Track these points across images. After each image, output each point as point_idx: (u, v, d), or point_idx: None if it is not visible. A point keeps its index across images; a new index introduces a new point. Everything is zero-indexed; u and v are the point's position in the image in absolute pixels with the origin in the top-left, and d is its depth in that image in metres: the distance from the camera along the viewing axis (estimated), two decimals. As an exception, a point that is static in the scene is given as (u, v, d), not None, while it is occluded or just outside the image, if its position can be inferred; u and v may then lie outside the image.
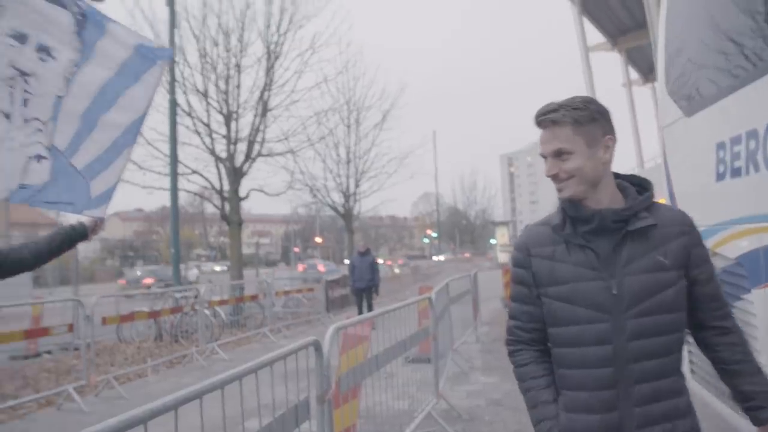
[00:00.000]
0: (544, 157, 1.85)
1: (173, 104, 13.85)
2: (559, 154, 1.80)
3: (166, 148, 14.50)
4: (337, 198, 25.26)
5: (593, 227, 1.80)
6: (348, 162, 24.85)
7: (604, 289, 1.76)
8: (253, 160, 17.12)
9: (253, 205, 45.93)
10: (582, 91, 27.51)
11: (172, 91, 13.85)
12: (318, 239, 66.29)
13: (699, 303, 1.85)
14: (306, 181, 23.82)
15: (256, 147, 17.15)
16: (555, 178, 1.83)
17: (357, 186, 25.23)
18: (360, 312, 12.93)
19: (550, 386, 1.89)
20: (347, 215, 25.42)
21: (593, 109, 1.80)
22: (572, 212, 1.84)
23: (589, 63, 28.42)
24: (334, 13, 29.39)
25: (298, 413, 3.05)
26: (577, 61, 28.85)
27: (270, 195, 19.18)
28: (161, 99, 14.35)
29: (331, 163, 24.66)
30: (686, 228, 1.83)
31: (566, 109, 1.78)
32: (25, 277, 13.20)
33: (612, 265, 1.77)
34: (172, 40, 14.15)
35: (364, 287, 13.28)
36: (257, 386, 2.69)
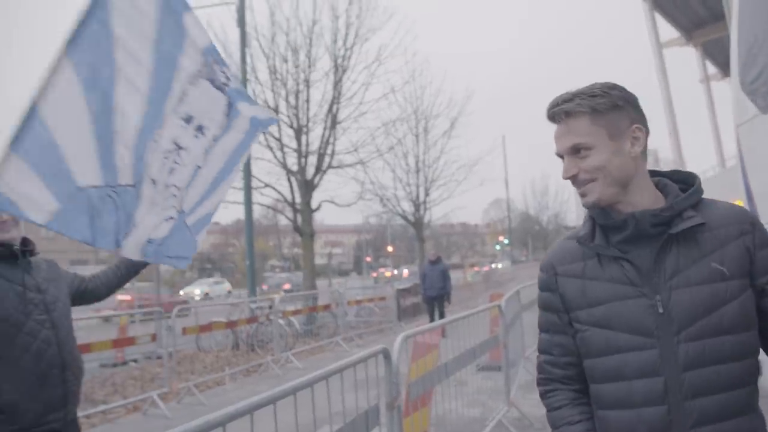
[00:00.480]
0: (560, 156, 1.56)
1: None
2: (576, 151, 1.51)
3: (239, 163, 14.97)
4: (408, 207, 25.25)
5: (628, 234, 1.50)
6: (417, 171, 24.80)
7: (647, 307, 1.45)
8: (324, 172, 17.40)
9: (325, 216, 46.61)
10: (656, 90, 26.74)
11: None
12: (389, 248, 66.60)
13: None
14: (376, 192, 23.90)
15: (327, 159, 17.43)
16: (575, 180, 1.53)
17: (427, 194, 25.14)
18: (432, 320, 12.91)
19: None
20: (418, 224, 25.39)
21: (615, 95, 1.50)
22: (601, 219, 1.55)
23: (663, 59, 27.47)
24: (399, 25, 29.19)
25: (368, 419, 3.12)
26: (649, 58, 27.90)
27: (341, 206, 19.48)
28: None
29: (401, 173, 24.65)
30: (746, 226, 1.48)
31: (582, 97, 1.50)
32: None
33: (655, 278, 1.46)
34: (243, 59, 14.69)
35: (435, 295, 13.28)
36: (328, 393, 2.78)
